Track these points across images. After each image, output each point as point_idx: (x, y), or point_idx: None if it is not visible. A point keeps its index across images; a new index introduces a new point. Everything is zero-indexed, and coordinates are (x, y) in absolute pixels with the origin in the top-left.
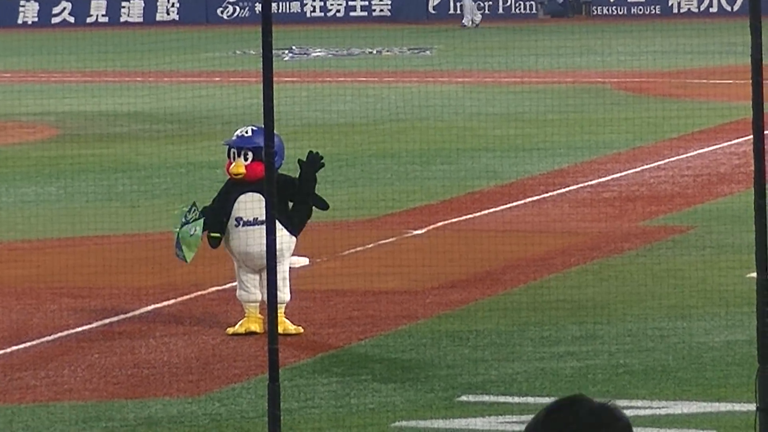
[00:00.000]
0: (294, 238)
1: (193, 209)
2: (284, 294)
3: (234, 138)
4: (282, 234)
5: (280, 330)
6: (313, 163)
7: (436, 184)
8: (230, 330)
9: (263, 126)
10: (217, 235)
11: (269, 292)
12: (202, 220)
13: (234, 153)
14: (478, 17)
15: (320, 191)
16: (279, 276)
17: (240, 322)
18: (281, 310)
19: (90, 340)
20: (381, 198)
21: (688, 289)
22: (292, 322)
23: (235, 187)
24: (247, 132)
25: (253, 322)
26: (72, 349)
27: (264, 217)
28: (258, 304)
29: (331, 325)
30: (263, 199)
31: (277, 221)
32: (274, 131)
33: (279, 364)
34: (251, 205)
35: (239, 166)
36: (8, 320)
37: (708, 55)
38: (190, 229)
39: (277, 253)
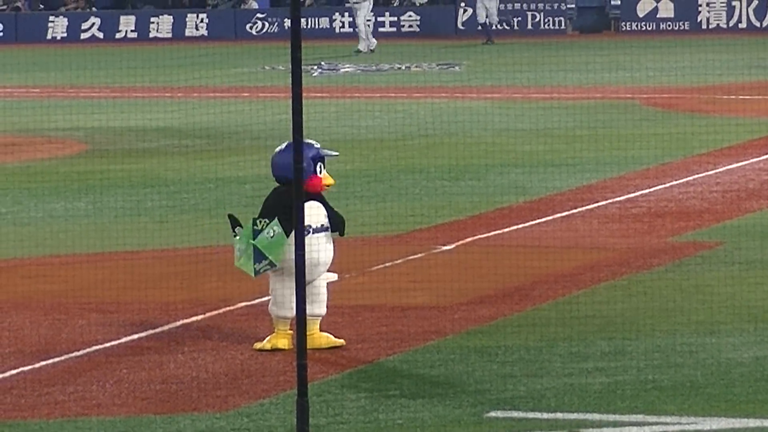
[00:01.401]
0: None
1: (259, 221)
2: (323, 307)
3: (318, 150)
4: (328, 245)
5: (323, 344)
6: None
7: (464, 199)
8: (257, 345)
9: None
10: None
11: (298, 306)
12: (276, 221)
13: (320, 166)
14: (373, 43)
15: (350, 206)
16: (323, 284)
17: (268, 338)
18: (318, 324)
19: (118, 355)
20: (410, 213)
21: (717, 304)
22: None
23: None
24: (316, 143)
25: (282, 338)
26: (100, 364)
27: (325, 223)
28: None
29: (360, 341)
30: (322, 207)
31: (326, 232)
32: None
33: (307, 379)
34: (317, 211)
35: (330, 178)
36: (37, 335)
37: (737, 70)
38: (266, 234)
39: (330, 257)
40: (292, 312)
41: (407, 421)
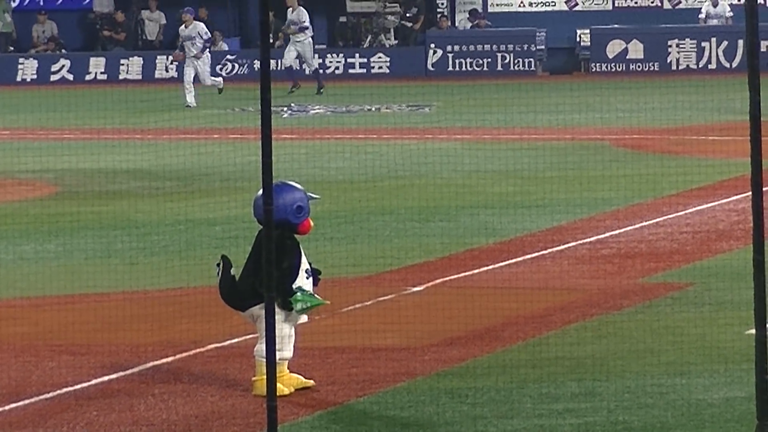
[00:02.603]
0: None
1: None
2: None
3: (306, 193)
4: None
5: (294, 384)
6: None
7: (435, 240)
8: (255, 392)
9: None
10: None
11: (268, 349)
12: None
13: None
14: (220, 82)
15: (320, 248)
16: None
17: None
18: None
19: (89, 397)
20: (380, 255)
21: (687, 345)
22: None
23: (294, 242)
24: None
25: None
26: (71, 406)
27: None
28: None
29: (330, 382)
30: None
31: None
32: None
33: (278, 421)
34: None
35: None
36: (6, 377)
37: (707, 111)
38: (304, 297)
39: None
40: (285, 353)
41: None
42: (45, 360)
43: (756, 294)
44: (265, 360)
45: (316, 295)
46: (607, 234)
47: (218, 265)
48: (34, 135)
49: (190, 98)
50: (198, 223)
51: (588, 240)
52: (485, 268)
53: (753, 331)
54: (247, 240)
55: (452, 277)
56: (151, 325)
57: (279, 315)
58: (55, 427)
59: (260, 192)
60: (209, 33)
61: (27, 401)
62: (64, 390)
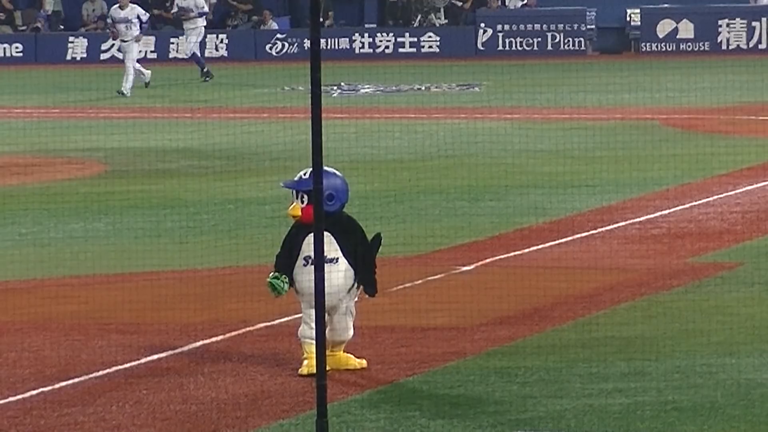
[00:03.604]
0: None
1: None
2: (350, 331)
3: (293, 180)
4: (346, 270)
5: (344, 365)
6: (376, 246)
7: (484, 220)
8: (302, 371)
9: (315, 162)
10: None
11: (317, 328)
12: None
13: (293, 194)
14: (148, 75)
15: (369, 227)
16: (344, 312)
17: (306, 364)
18: (343, 346)
19: (138, 376)
20: (429, 234)
21: (737, 325)
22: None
23: (302, 228)
24: (305, 174)
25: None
26: (120, 385)
27: (332, 255)
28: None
29: (379, 362)
30: (332, 237)
31: (342, 258)
32: (337, 172)
33: (327, 400)
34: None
35: (296, 209)
36: (56, 356)
37: (757, 91)
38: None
39: (342, 289)
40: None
41: None
42: (94, 339)
43: None
44: (308, 340)
45: (285, 282)
46: (657, 214)
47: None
48: (84, 114)
49: (130, 83)
50: (247, 203)
51: (637, 220)
52: (534, 248)
53: None
54: None
55: (502, 256)
56: (200, 304)
57: (306, 295)
58: (105, 405)
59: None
60: (147, 14)
61: (76, 380)
62: (114, 369)
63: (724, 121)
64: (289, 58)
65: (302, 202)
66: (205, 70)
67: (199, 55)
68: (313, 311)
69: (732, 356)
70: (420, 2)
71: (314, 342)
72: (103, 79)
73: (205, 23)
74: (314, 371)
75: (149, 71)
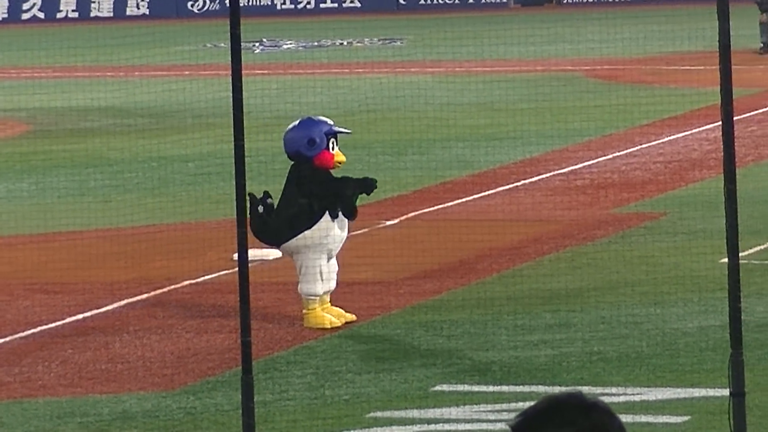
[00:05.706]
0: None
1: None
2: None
3: (331, 126)
4: (328, 224)
5: (343, 318)
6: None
7: (408, 174)
8: (330, 324)
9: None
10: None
11: (241, 283)
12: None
13: (332, 142)
14: None
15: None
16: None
17: (329, 317)
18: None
19: (63, 335)
20: None
21: (662, 275)
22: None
23: (328, 175)
24: (329, 120)
25: (322, 317)
26: (46, 344)
27: None
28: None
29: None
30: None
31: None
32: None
33: (253, 356)
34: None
35: (342, 155)
36: None
37: (678, 41)
38: None
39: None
40: (321, 289)
41: (353, 396)
42: (19, 299)
43: (728, 223)
44: (307, 295)
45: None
46: (580, 165)
47: (251, 203)
48: (6, 74)
49: None
50: (171, 160)
51: (561, 171)
52: (459, 201)
53: (726, 259)
54: (220, 176)
55: (426, 210)
56: (125, 263)
57: (312, 251)
58: (30, 365)
59: (290, 126)
60: None
61: (1, 340)
62: (39, 329)
63: (646, 71)
64: (210, 15)
65: (331, 148)
66: None
67: None
68: (326, 264)
69: (657, 306)
70: None
71: (329, 293)
72: (24, 39)
73: None
74: (338, 323)
75: None
